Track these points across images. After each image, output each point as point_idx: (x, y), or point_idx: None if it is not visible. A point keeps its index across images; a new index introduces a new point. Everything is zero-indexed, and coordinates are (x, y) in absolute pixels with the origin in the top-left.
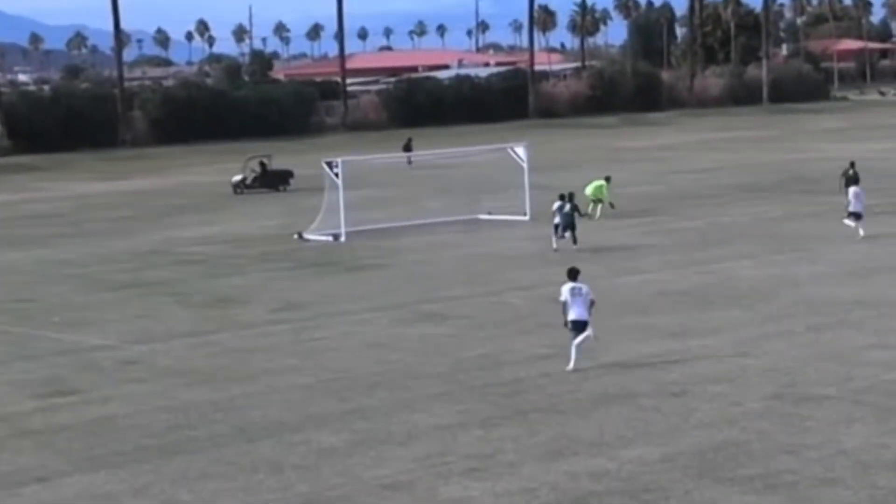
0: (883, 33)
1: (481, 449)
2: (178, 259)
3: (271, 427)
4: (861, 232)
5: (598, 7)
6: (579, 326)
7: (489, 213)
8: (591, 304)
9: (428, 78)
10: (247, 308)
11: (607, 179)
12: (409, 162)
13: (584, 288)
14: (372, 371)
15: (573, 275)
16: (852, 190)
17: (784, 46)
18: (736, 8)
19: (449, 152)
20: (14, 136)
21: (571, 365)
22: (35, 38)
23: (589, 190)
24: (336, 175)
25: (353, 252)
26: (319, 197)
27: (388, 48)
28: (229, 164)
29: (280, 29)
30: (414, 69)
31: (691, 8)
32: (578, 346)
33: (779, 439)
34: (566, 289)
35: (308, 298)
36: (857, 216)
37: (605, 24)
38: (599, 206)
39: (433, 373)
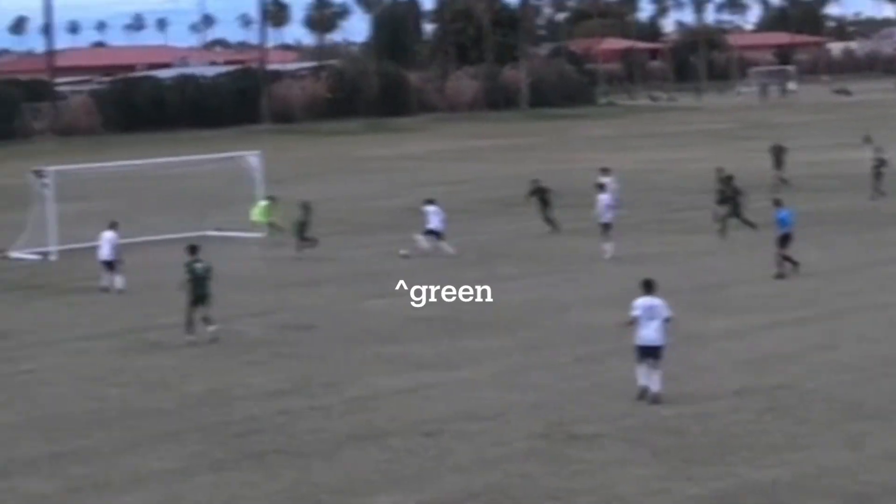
0: (651, 32)
1: (215, 496)
2: None
3: None
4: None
5: (337, 0)
6: None
7: (218, 230)
8: None
9: (147, 77)
10: None
11: (271, 199)
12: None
13: None
14: (88, 408)
15: None
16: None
17: (544, 45)
18: (490, 3)
19: (172, 161)
20: None
21: None
22: None
23: (254, 214)
24: (45, 185)
25: (66, 273)
26: (27, 211)
27: (102, 44)
28: None
29: None
30: (131, 67)
31: (440, 2)
32: None
33: (546, 483)
34: None
35: (15, 326)
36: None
37: (344, 18)
38: (272, 229)
39: (157, 410)
